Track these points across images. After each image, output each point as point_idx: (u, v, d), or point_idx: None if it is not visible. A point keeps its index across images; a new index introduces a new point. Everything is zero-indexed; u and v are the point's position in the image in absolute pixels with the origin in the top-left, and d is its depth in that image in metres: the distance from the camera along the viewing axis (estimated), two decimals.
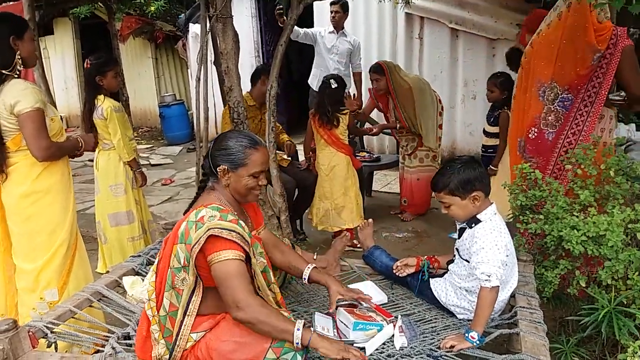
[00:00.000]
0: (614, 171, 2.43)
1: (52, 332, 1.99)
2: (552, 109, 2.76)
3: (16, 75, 2.43)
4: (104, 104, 3.27)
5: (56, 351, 1.97)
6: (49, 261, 2.52)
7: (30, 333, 1.93)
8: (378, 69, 4.38)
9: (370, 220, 2.75)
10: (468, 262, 2.08)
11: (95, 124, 3.31)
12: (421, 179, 4.55)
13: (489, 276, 1.91)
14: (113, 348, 1.91)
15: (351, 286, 2.39)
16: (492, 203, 2.09)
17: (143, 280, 2.35)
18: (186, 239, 1.72)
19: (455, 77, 6.10)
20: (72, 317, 2.17)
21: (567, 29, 2.64)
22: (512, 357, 1.77)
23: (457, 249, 2.18)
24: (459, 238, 2.17)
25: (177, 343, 1.79)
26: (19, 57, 2.42)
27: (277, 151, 3.74)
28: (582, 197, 2.34)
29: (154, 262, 2.47)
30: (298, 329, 1.68)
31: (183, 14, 8.10)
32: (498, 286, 1.93)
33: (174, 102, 8.75)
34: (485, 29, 5.69)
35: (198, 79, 3.54)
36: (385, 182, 5.87)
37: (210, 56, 3.64)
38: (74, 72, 9.86)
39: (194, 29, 7.76)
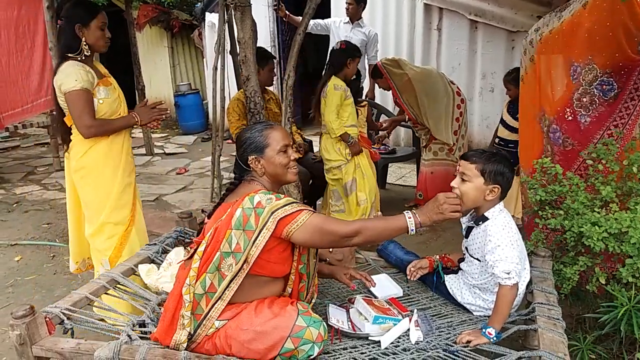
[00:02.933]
0: (637, 167, 2.38)
1: (68, 318, 2.01)
2: (589, 91, 2.64)
3: (80, 59, 2.57)
4: None
5: (72, 337, 1.98)
6: (97, 233, 2.71)
7: (47, 319, 1.94)
8: (375, 72, 4.44)
9: (379, 214, 2.74)
10: (479, 260, 2.05)
11: None
12: (435, 173, 4.50)
13: (508, 273, 1.88)
14: (129, 336, 1.91)
15: None
16: (499, 202, 2.05)
17: (158, 268, 2.36)
18: (244, 225, 1.75)
19: (473, 69, 6.02)
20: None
21: (597, 13, 2.52)
22: (530, 353, 1.74)
23: (466, 248, 2.14)
24: (466, 237, 2.13)
25: (203, 323, 1.81)
26: (85, 43, 2.57)
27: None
28: (603, 193, 2.30)
29: (169, 250, 2.48)
30: (410, 217, 1.79)
31: (199, 3, 8.08)
32: (517, 283, 1.90)
33: (189, 91, 8.77)
34: (505, 21, 5.60)
35: (215, 68, 3.55)
36: (399, 174, 5.83)
37: (226, 45, 3.63)
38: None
39: (210, 18, 7.76)
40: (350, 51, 3.69)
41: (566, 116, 2.73)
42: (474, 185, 1.98)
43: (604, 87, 2.61)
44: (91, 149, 2.63)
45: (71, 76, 2.51)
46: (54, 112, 2.74)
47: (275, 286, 1.91)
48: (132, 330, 1.98)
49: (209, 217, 1.99)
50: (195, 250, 1.88)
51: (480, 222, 2.03)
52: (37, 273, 3.73)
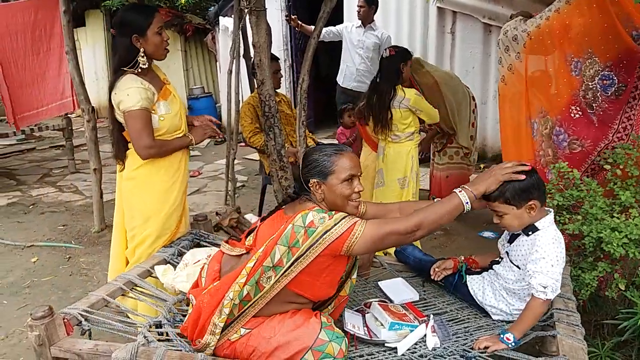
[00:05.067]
0: None
1: (86, 319, 2.02)
2: (591, 87, 2.57)
3: (137, 72, 2.42)
4: None
5: (90, 339, 1.99)
6: (138, 246, 2.62)
7: (66, 320, 1.96)
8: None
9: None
10: (519, 268, 2.02)
11: None
12: (450, 177, 4.47)
13: (545, 287, 1.85)
14: (145, 337, 1.92)
15: (382, 283, 2.39)
16: (550, 212, 2.01)
17: (175, 269, 2.36)
18: (291, 242, 1.72)
19: (487, 73, 6.00)
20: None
21: (586, 8, 2.49)
22: None
23: (507, 253, 2.10)
24: (510, 243, 2.09)
25: (230, 326, 1.80)
26: (143, 55, 2.41)
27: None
28: (623, 198, 2.27)
29: (185, 252, 2.49)
30: (461, 192, 1.79)
31: (213, 7, 8.13)
32: (551, 299, 1.88)
33: (203, 94, 8.82)
34: None
35: (229, 72, 3.55)
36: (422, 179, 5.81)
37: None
38: (105, 63, 10.00)
39: (224, 22, 7.80)
40: (401, 55, 3.58)
41: (572, 114, 2.65)
42: (511, 215, 1.95)
43: (605, 82, 2.55)
44: (148, 162, 2.52)
45: (130, 95, 2.37)
46: (80, 115, 2.65)
47: (305, 307, 1.89)
48: (149, 331, 1.99)
49: (262, 220, 1.96)
50: (245, 254, 1.89)
51: (530, 232, 1.98)
52: (53, 274, 3.76)
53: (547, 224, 1.97)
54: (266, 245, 1.78)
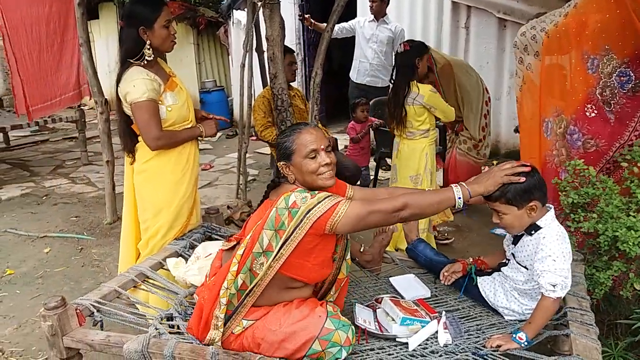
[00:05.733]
0: None
1: (98, 310, 2.03)
2: (609, 84, 2.51)
3: (143, 64, 2.44)
4: None
5: (102, 330, 2.00)
6: (151, 238, 2.62)
7: (78, 311, 1.97)
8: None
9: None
10: (526, 268, 2.00)
11: None
12: (458, 163, 4.50)
13: (554, 286, 1.83)
14: (156, 329, 1.93)
15: (393, 279, 2.38)
16: (550, 209, 1.99)
17: (186, 262, 2.37)
18: (276, 225, 1.73)
19: (501, 68, 5.94)
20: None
21: (604, 3, 2.43)
22: (563, 359, 1.71)
23: (512, 254, 2.08)
24: (514, 244, 2.07)
25: (232, 317, 1.82)
26: (149, 47, 2.42)
27: None
28: (639, 197, 2.24)
29: (197, 245, 2.50)
30: (457, 188, 1.79)
31: (226, 0, 8.12)
32: (561, 297, 1.85)
33: (215, 88, 8.83)
34: None
35: (242, 65, 3.55)
36: (439, 178, 5.77)
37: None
38: (118, 56, 10.02)
39: (236, 15, 7.79)
40: (416, 50, 3.52)
41: (587, 113, 2.60)
42: (511, 216, 1.94)
43: (622, 78, 2.48)
44: (159, 154, 2.53)
45: (136, 86, 2.38)
46: (95, 108, 2.66)
47: (305, 292, 1.90)
48: (160, 323, 1.99)
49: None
50: (234, 247, 1.90)
51: (533, 231, 1.96)
52: (65, 265, 3.79)
53: (549, 221, 1.95)
54: (253, 232, 1.80)
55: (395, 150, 3.71)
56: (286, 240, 1.73)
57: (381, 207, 1.74)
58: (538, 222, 1.95)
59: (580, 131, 2.63)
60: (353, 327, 1.82)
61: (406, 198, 1.76)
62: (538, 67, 2.83)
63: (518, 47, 2.96)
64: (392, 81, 3.64)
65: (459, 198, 1.77)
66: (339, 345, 1.72)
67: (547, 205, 2.00)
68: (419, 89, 3.45)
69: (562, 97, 2.73)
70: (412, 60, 3.46)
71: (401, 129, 3.58)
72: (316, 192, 1.78)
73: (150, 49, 2.43)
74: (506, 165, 1.88)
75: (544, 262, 1.87)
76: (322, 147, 1.84)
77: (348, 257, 2.00)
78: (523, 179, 1.85)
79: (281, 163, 1.88)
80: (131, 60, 2.43)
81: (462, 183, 1.82)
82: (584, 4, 2.58)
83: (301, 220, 1.71)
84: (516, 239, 2.06)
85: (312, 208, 1.71)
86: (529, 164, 1.91)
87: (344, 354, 1.75)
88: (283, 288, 1.83)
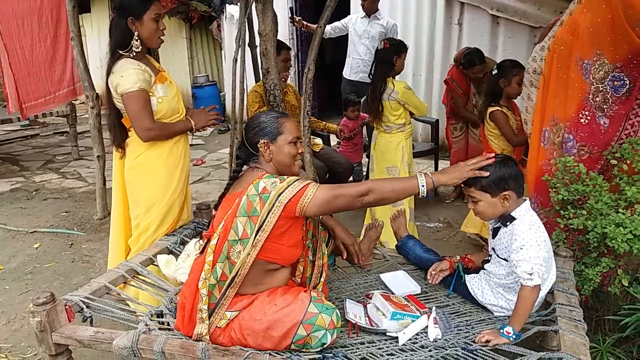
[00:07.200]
0: None
1: (87, 306, 2.02)
2: (601, 89, 2.52)
3: (132, 55, 2.44)
4: None
5: (91, 326, 1.99)
6: (142, 233, 2.62)
7: (67, 307, 1.96)
8: (471, 61, 4.45)
9: (402, 208, 2.71)
10: (507, 260, 2.02)
11: None
12: (472, 146, 4.77)
13: (530, 274, 1.85)
14: (146, 325, 1.92)
15: (383, 275, 2.38)
16: (525, 200, 2.02)
17: (176, 259, 2.36)
18: (249, 211, 1.77)
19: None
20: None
21: (595, 6, 2.45)
22: (551, 354, 1.72)
23: (492, 249, 2.11)
24: (493, 238, 2.10)
25: (215, 311, 1.83)
26: (137, 38, 2.43)
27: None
28: (629, 194, 2.25)
29: (187, 241, 2.49)
30: (422, 179, 1.85)
31: None
32: (539, 285, 1.87)
33: (207, 83, 8.78)
34: (528, 17, 5.52)
35: (235, 60, 3.53)
36: (417, 170, 5.79)
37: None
38: (108, 47, 9.94)
39: (229, 10, 7.75)
40: (395, 47, 3.62)
41: (581, 120, 2.62)
42: (485, 202, 1.99)
43: (615, 83, 2.48)
44: (151, 149, 2.52)
45: (127, 76, 2.37)
46: (88, 104, 2.63)
47: (284, 274, 1.94)
48: (150, 320, 1.99)
49: (215, 208, 2.01)
50: (207, 243, 1.90)
51: (508, 223, 2.00)
52: (55, 260, 3.77)
53: (523, 212, 1.99)
54: (225, 221, 1.82)
55: (373, 141, 3.85)
56: (261, 226, 1.76)
57: (346, 191, 1.82)
58: (513, 214, 1.99)
59: (575, 138, 2.65)
60: (337, 311, 1.83)
61: (370, 184, 1.85)
62: (548, 70, 2.85)
63: (536, 58, 2.97)
64: (370, 76, 3.77)
65: (423, 186, 1.84)
66: (324, 329, 1.74)
67: (523, 197, 2.03)
68: (394, 85, 3.59)
69: (560, 105, 2.75)
70: (390, 57, 3.58)
71: (378, 123, 3.72)
72: (284, 177, 1.83)
73: (138, 41, 2.44)
74: (473, 160, 1.95)
75: (519, 252, 1.90)
76: (300, 137, 1.97)
77: (325, 246, 2.09)
78: (487, 174, 1.91)
79: (263, 141, 1.92)
80: (121, 52, 2.44)
81: (427, 172, 1.88)
82: (578, 8, 2.59)
83: (273, 204, 1.75)
84: (495, 232, 2.09)
85: (283, 191, 1.76)
86: (498, 155, 1.99)
87: (329, 338, 1.77)
88: (262, 271, 1.85)
